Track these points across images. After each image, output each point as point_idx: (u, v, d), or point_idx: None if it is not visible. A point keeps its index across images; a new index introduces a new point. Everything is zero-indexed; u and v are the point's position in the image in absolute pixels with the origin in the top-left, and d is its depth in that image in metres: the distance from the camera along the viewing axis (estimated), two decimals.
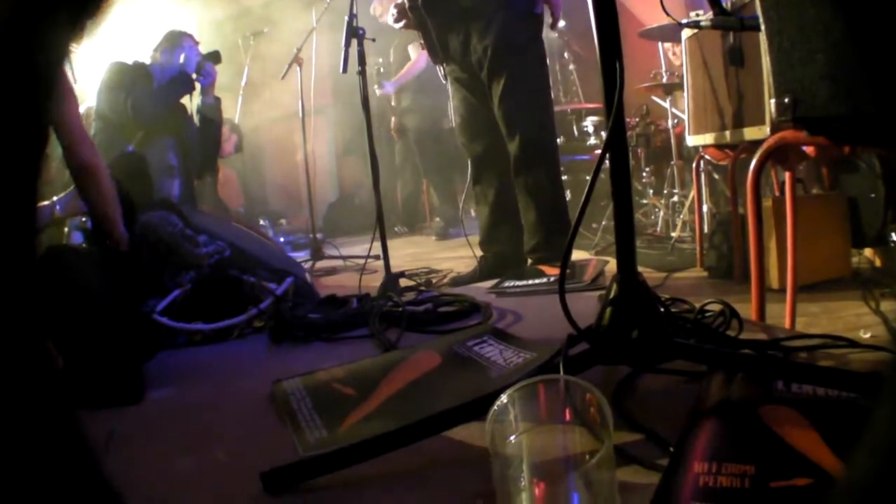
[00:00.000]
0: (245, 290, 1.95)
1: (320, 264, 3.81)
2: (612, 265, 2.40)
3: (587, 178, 4.46)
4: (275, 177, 6.88)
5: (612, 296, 0.93)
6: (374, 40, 2.53)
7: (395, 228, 5.73)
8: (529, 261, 2.55)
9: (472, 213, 5.98)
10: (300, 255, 4.21)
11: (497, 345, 1.34)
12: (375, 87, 5.13)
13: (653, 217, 3.86)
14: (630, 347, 0.90)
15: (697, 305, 1.43)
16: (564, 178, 4.01)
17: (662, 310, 1.00)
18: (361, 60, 2.38)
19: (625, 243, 0.95)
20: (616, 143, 0.96)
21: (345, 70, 2.39)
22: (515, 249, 2.63)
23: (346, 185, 6.77)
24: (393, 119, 5.38)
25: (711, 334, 1.22)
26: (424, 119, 5.14)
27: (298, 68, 4.12)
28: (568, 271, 2.45)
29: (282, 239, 5.51)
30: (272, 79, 4.61)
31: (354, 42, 2.35)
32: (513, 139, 2.48)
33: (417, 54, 4.96)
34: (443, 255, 3.89)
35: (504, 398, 0.66)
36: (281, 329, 1.75)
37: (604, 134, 4.22)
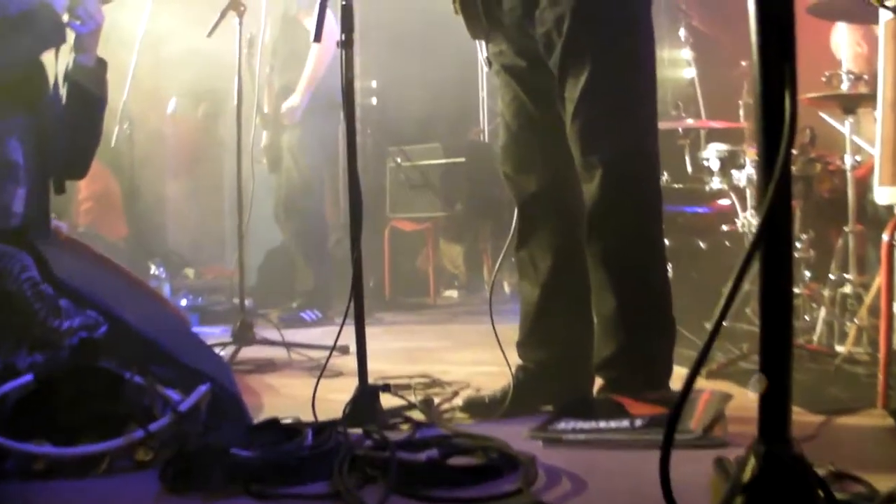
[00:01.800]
0: (126, 397, 1.99)
1: (248, 352, 3.84)
2: (736, 403, 2.39)
3: (702, 244, 4.47)
4: (183, 197, 6.98)
5: (746, 476, 0.95)
6: None
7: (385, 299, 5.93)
8: (600, 382, 2.55)
9: (506, 288, 6.00)
10: (216, 333, 4.24)
11: None
12: (283, 109, 5.33)
13: (807, 317, 3.84)
14: None
15: (881, 488, 1.43)
16: (668, 243, 4.00)
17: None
18: (346, 24, 2.52)
19: (777, 386, 0.99)
20: (778, 212, 1.01)
21: (317, 38, 2.54)
22: (577, 360, 2.63)
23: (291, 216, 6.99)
24: (264, 136, 5.56)
25: None
26: (311, 147, 5.37)
27: (237, 20, 4.25)
28: (662, 409, 2.44)
29: (184, 301, 5.58)
30: (192, 33, 4.74)
31: None
32: (590, 175, 2.50)
33: (325, 30, 5.16)
34: (455, 354, 3.93)
35: None
36: (182, 468, 1.77)
37: (740, 177, 4.31)
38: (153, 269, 5.67)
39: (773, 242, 1.01)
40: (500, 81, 2.78)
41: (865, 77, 3.74)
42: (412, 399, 2.62)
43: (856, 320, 3.36)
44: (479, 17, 2.67)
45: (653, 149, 2.55)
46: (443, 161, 6.12)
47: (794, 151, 3.93)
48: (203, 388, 2.08)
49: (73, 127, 3.22)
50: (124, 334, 2.15)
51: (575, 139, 2.52)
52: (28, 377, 1.91)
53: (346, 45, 2.52)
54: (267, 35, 5.28)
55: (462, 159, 6.08)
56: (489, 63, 2.80)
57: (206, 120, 6.96)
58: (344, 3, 2.55)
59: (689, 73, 5.47)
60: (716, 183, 4.46)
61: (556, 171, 2.65)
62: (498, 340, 2.70)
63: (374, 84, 7.31)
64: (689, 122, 4.91)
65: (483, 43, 2.77)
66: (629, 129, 2.50)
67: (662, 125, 4.39)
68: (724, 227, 4.39)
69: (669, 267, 3.63)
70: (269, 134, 5.49)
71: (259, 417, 2.32)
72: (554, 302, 2.69)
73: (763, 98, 1.00)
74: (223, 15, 4.24)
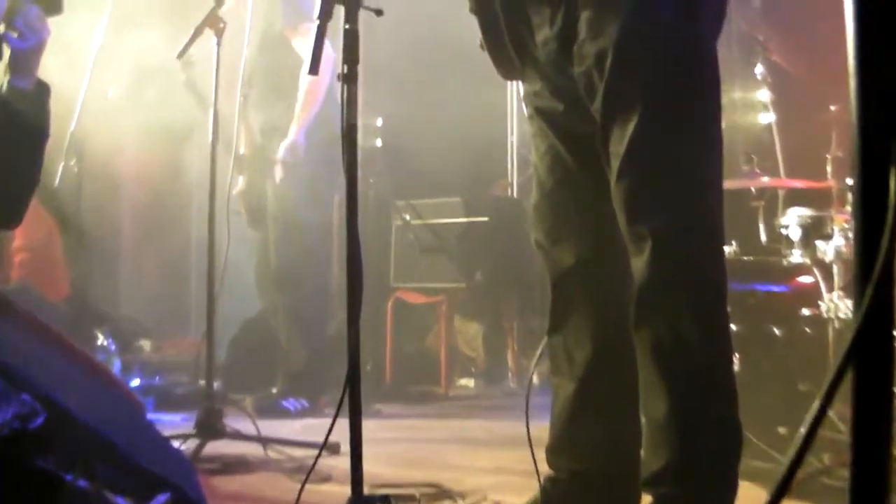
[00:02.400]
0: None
1: (215, 447, 3.82)
2: None
3: (777, 330, 4.44)
4: (140, 251, 7.07)
5: None
6: (380, 13, 2.71)
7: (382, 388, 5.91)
8: (648, 500, 2.51)
9: (536, 379, 5.99)
10: (176, 422, 4.29)
11: None
12: (281, 152, 5.35)
13: None
14: None
15: None
16: (735, 329, 4.01)
17: None
18: (350, 53, 2.56)
19: None
20: (877, 320, 1.00)
21: (314, 70, 2.60)
22: (620, 473, 2.63)
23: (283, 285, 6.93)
24: (241, 180, 5.60)
25: None
26: (305, 197, 5.38)
27: (215, 40, 4.33)
28: None
29: (137, 381, 5.61)
30: (159, 54, 4.87)
31: (339, 14, 2.59)
32: (638, 247, 2.50)
33: (323, 56, 5.15)
34: (470, 458, 3.91)
35: None
36: None
37: (826, 250, 4.27)
38: (100, 339, 5.65)
39: (870, 355, 0.99)
40: (534, 127, 2.80)
41: None
42: None
43: None
44: (510, 58, 2.73)
45: (716, 215, 2.54)
46: (461, 220, 6.17)
47: None
48: (161, 499, 2.06)
49: (5, 163, 3.16)
50: (66, 426, 2.07)
51: (620, 202, 2.52)
52: None
53: (349, 79, 2.54)
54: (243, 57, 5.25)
55: (485, 218, 6.13)
56: (525, 104, 2.86)
57: (172, 159, 7.00)
58: (347, 26, 2.58)
59: (766, 118, 5.49)
60: (796, 256, 4.43)
61: (598, 240, 2.67)
62: (529, 440, 2.72)
63: (378, 122, 7.33)
64: (765, 179, 4.86)
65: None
66: (687, 190, 2.50)
67: (730, 184, 4.38)
68: (805, 311, 4.33)
69: (736, 359, 3.63)
70: (247, 179, 5.54)
71: None
72: (593, 400, 2.69)
73: (861, 176, 1.00)
74: (197, 33, 4.32)
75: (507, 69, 2.78)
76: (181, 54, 4.37)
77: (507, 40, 2.72)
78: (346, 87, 2.57)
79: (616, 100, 2.51)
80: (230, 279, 4.44)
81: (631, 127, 2.47)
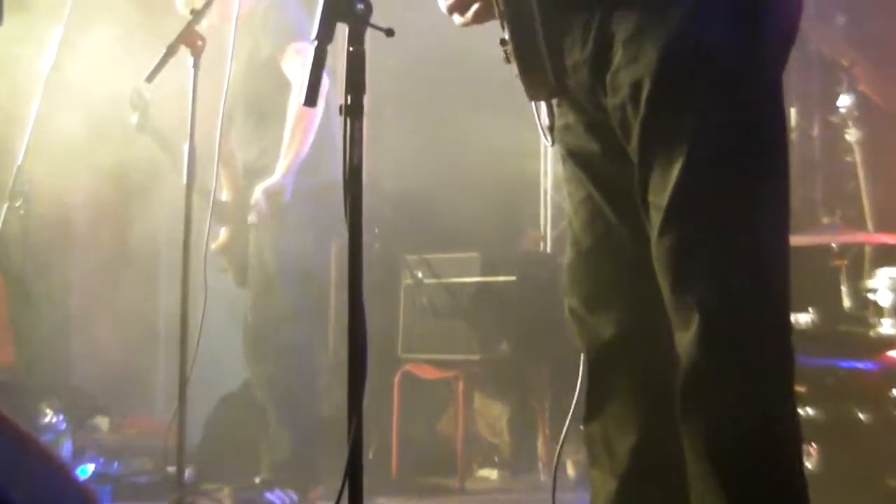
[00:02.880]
0: None
1: None
2: None
3: (862, 415, 4.40)
4: (97, 312, 7.10)
5: None
6: (390, 32, 2.66)
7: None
8: None
9: (570, 470, 5.96)
10: None
11: None
12: (256, 195, 5.35)
13: None
14: None
15: None
16: (811, 413, 3.97)
17: None
18: (354, 80, 2.54)
19: None
20: None
21: (311, 102, 2.55)
22: None
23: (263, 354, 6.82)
24: (222, 232, 5.64)
25: None
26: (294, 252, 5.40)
27: (191, 59, 4.40)
28: None
29: (92, 467, 5.57)
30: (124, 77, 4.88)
31: (342, 33, 2.57)
32: (684, 321, 2.46)
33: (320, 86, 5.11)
34: None
35: None
36: None
37: None
38: (48, 416, 5.62)
39: None
40: (566, 172, 2.78)
41: None
42: None
43: None
44: (545, 70, 2.65)
45: (779, 284, 2.49)
46: (482, 279, 6.15)
47: None
48: None
49: None
50: None
51: (662, 265, 2.48)
52: None
53: (353, 112, 2.52)
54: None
55: (511, 277, 6.12)
56: (550, 138, 2.80)
57: (136, 204, 6.97)
58: (351, 48, 2.55)
59: (851, 160, 5.45)
60: (886, 326, 4.42)
61: (645, 310, 2.62)
62: None
63: (385, 163, 7.30)
64: (849, 234, 4.88)
65: (542, 107, 2.77)
66: (742, 255, 2.44)
67: (806, 239, 4.38)
68: None
69: (811, 451, 3.61)
70: (230, 230, 5.56)
71: None
72: (636, 499, 2.68)
73: None
74: (171, 52, 4.37)
75: (538, 88, 2.71)
76: (151, 77, 4.40)
77: (545, 55, 2.64)
78: (349, 120, 2.52)
79: (655, 140, 2.47)
80: (207, 345, 4.43)
81: (674, 174, 2.42)
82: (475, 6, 2.76)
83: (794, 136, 5.67)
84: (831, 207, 5.20)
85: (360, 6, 2.52)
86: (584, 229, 2.73)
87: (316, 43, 2.52)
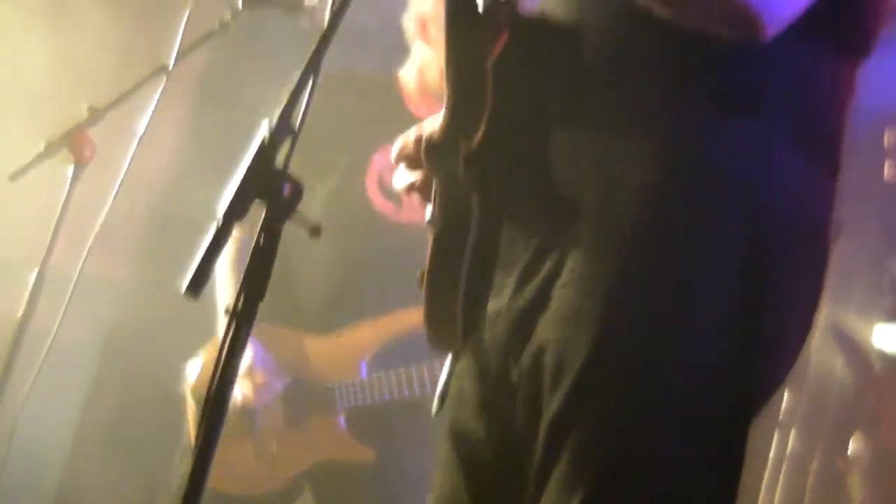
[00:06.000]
0: None
1: None
2: None
3: None
4: None
5: None
6: (317, 231, 2.26)
7: None
8: None
9: None
10: None
11: None
12: None
13: None
14: None
15: None
16: None
17: None
18: (254, 282, 2.06)
19: None
20: None
21: (194, 290, 2.05)
22: None
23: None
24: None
25: None
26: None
27: (71, 168, 4.05)
28: None
29: None
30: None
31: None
32: None
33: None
34: None
35: None
36: None
37: None
38: None
39: None
40: (439, 455, 2.41)
41: None
42: None
43: None
44: (454, 321, 2.29)
45: None
46: None
47: None
48: None
49: None
50: None
51: None
52: None
53: (242, 319, 2.03)
54: None
55: None
56: (441, 401, 2.43)
57: None
58: (261, 241, 2.08)
59: None
60: None
61: None
62: None
63: None
64: None
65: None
66: None
67: None
68: None
69: None
70: None
71: None
72: None
73: None
74: (49, 152, 4.02)
75: (441, 339, 2.41)
76: (16, 175, 3.96)
77: (460, 299, 2.29)
78: (235, 325, 2.03)
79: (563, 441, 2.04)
80: None
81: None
82: (418, 174, 2.46)
83: None
84: None
85: (288, 190, 2.06)
86: None
87: (217, 224, 2.01)
